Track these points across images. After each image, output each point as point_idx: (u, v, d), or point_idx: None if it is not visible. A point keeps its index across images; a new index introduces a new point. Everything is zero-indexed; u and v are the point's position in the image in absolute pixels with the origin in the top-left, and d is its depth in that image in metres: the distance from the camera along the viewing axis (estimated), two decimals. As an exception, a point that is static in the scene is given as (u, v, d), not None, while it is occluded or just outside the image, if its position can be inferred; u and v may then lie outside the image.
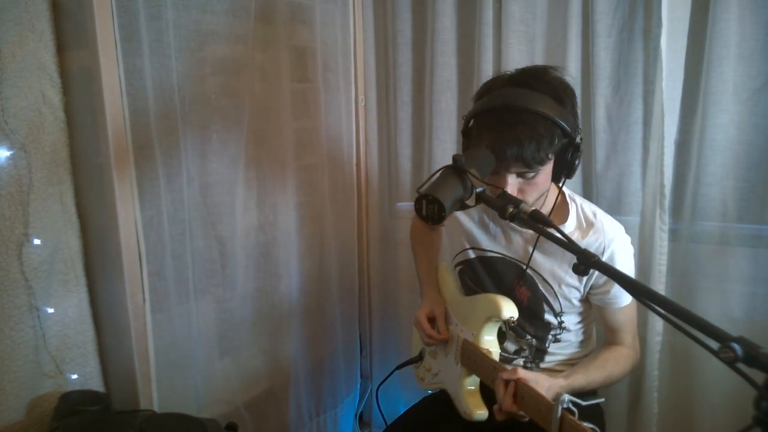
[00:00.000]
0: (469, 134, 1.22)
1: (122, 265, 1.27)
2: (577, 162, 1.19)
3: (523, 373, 1.11)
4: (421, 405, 1.48)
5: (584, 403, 0.99)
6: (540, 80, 1.15)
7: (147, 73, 1.31)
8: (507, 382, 1.11)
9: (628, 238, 1.27)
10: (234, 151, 1.57)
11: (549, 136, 1.11)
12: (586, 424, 0.95)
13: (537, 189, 1.19)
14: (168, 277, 1.42)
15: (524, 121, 1.09)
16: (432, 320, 1.43)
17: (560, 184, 1.27)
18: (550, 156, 1.14)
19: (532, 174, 1.15)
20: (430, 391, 1.50)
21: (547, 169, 1.17)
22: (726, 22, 1.39)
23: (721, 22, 1.39)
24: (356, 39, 1.96)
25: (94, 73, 1.19)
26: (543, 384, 1.12)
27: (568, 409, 0.98)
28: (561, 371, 1.34)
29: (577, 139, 1.16)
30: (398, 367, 1.58)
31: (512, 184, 1.14)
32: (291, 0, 1.71)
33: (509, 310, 1.24)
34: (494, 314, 1.26)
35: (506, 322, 1.28)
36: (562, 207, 1.30)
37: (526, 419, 1.11)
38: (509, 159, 1.10)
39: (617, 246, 1.24)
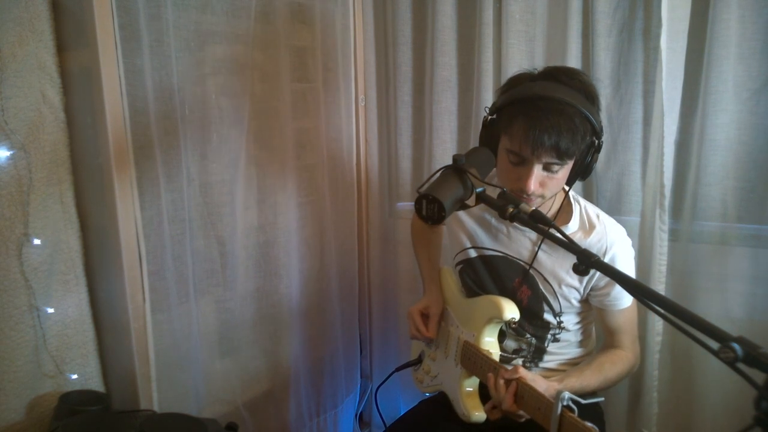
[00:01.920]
0: (493, 124, 1.20)
1: (122, 265, 1.27)
2: (594, 164, 1.20)
3: (523, 372, 1.11)
4: (420, 407, 1.48)
5: (584, 401, 0.99)
6: (572, 78, 1.16)
7: (147, 73, 1.31)
8: (508, 382, 1.11)
9: (629, 241, 1.28)
10: (234, 151, 1.57)
11: (582, 130, 1.12)
12: (585, 423, 0.95)
13: (556, 185, 1.19)
14: (168, 277, 1.42)
15: (562, 111, 1.09)
16: (425, 317, 1.43)
17: (569, 186, 1.28)
18: (581, 150, 1.15)
19: (558, 167, 1.14)
20: (427, 394, 1.50)
21: (569, 166, 1.17)
22: (726, 22, 1.39)
23: (721, 22, 1.39)
24: (356, 39, 1.96)
25: (94, 73, 1.19)
26: (541, 385, 1.12)
27: (568, 407, 0.98)
28: (560, 371, 1.34)
29: (600, 141, 1.18)
30: (397, 370, 1.58)
31: (536, 176, 1.14)
32: (291, 0, 1.71)
33: (511, 311, 1.24)
34: (496, 315, 1.26)
35: (507, 323, 1.28)
36: (566, 208, 1.30)
37: (523, 419, 1.11)
38: (545, 146, 1.09)
39: (618, 249, 1.24)
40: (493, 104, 1.22)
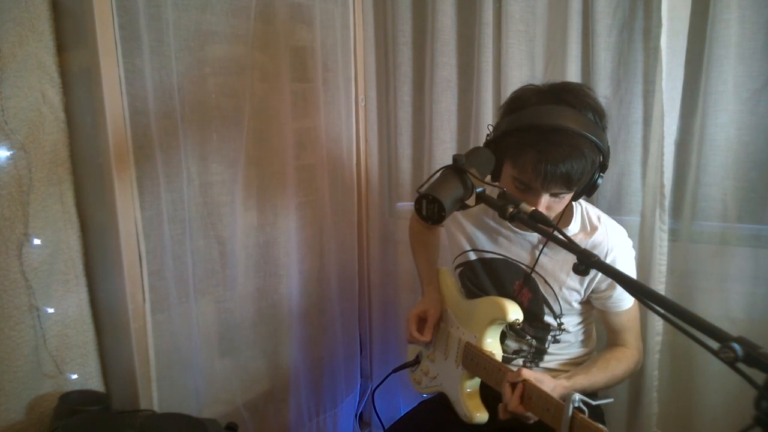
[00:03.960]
0: (497, 145, 1.18)
1: (122, 265, 1.27)
2: (600, 182, 1.19)
3: (528, 374, 1.11)
4: (420, 408, 1.48)
5: (594, 403, 0.99)
6: (581, 100, 1.13)
7: (147, 73, 1.31)
8: (514, 385, 1.11)
9: (630, 243, 1.28)
10: (234, 151, 1.57)
11: (592, 159, 1.11)
12: (597, 424, 0.95)
13: (562, 206, 1.20)
14: (168, 277, 1.42)
15: (572, 143, 1.08)
16: (422, 320, 1.43)
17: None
18: (590, 175, 1.15)
19: (565, 194, 1.14)
20: (425, 395, 1.50)
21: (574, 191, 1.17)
22: (726, 22, 1.39)
23: (721, 22, 1.39)
24: (356, 39, 1.96)
25: (94, 73, 1.19)
26: (548, 384, 1.12)
27: (579, 408, 0.98)
28: (561, 371, 1.34)
29: (607, 162, 1.17)
30: (394, 371, 1.58)
31: (543, 204, 1.13)
32: (291, 0, 1.71)
33: (514, 312, 1.24)
34: (499, 317, 1.25)
35: (511, 325, 1.28)
36: (567, 210, 1.30)
37: (531, 421, 1.11)
38: (556, 179, 1.08)
39: (619, 251, 1.24)
40: (497, 125, 1.20)
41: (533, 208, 0.96)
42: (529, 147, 1.10)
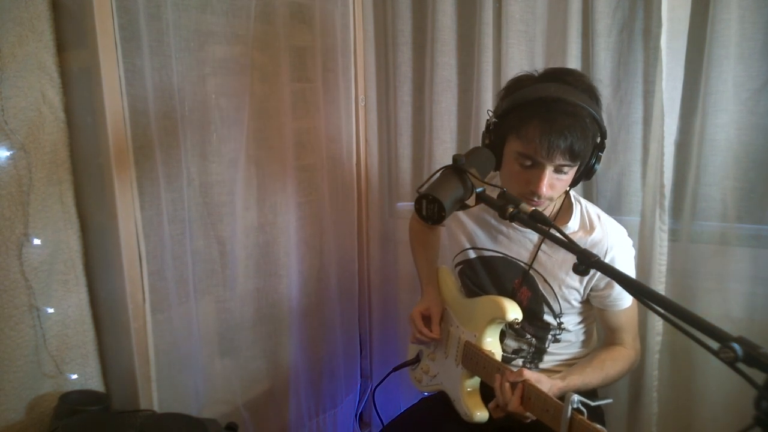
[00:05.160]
0: (498, 128, 1.19)
1: (122, 265, 1.27)
2: (598, 165, 1.21)
3: (528, 374, 1.12)
4: (420, 406, 1.48)
5: (593, 404, 0.99)
6: (578, 79, 1.16)
7: (147, 73, 1.31)
8: (514, 385, 1.12)
9: (629, 242, 1.28)
10: (234, 151, 1.57)
11: (592, 131, 1.13)
12: (596, 425, 0.96)
13: (564, 186, 1.20)
14: (168, 277, 1.42)
15: (576, 114, 1.10)
16: (427, 318, 1.43)
17: (572, 187, 1.28)
18: (590, 151, 1.16)
19: (568, 168, 1.15)
20: (426, 393, 1.50)
21: (576, 167, 1.18)
22: (726, 22, 1.39)
23: (721, 22, 1.39)
24: (356, 39, 1.96)
25: (94, 73, 1.19)
26: (545, 384, 1.12)
27: (578, 409, 0.98)
28: (560, 371, 1.34)
29: (604, 141, 1.19)
30: (395, 369, 1.58)
31: (548, 179, 1.14)
32: (291, 0, 1.71)
33: (514, 311, 1.24)
34: (498, 316, 1.26)
35: (510, 324, 1.28)
36: (566, 208, 1.30)
37: (529, 420, 1.11)
38: (560, 149, 1.09)
39: (619, 251, 1.24)
40: (497, 107, 1.22)
41: (533, 208, 0.96)
42: (533, 117, 1.12)
